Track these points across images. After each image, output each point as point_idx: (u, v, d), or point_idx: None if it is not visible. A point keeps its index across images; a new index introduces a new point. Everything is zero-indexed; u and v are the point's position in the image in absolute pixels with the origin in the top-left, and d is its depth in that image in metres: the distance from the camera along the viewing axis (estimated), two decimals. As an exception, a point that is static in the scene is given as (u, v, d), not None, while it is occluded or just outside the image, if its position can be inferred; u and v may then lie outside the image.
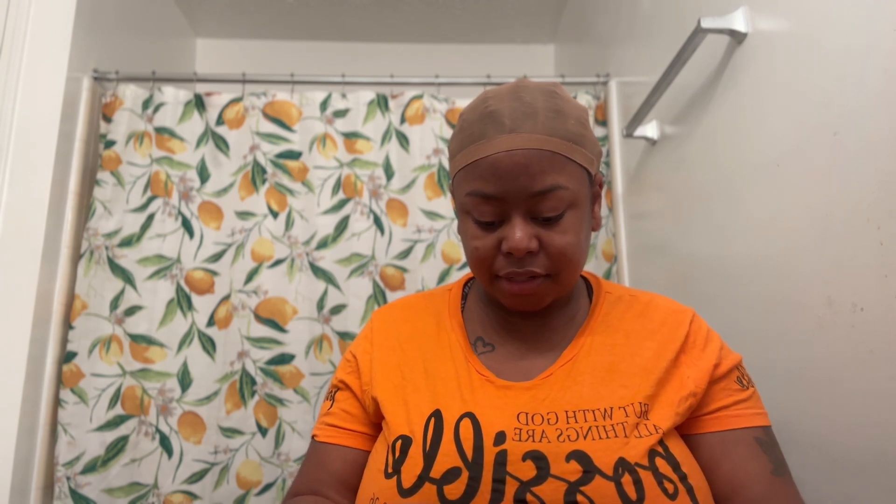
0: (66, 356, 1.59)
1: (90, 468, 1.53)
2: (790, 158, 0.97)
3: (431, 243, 1.74)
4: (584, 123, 0.73)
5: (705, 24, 1.13)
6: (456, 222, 1.75)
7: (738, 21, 1.12)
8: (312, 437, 0.84)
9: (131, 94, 1.79)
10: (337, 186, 1.77)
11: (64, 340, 1.62)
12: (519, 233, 0.69)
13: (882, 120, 0.78)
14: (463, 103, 1.84)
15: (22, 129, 1.58)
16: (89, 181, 1.76)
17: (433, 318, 0.84)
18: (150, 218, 1.71)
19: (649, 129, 1.55)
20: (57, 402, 1.58)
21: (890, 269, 0.76)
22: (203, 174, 1.77)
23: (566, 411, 0.68)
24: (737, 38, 1.14)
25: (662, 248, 1.50)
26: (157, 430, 1.58)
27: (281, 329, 1.66)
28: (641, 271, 1.65)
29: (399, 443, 0.69)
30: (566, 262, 0.71)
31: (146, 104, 1.79)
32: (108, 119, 1.78)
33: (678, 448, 0.68)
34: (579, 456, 0.64)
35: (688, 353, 0.75)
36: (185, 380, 1.62)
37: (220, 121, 1.81)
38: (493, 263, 0.73)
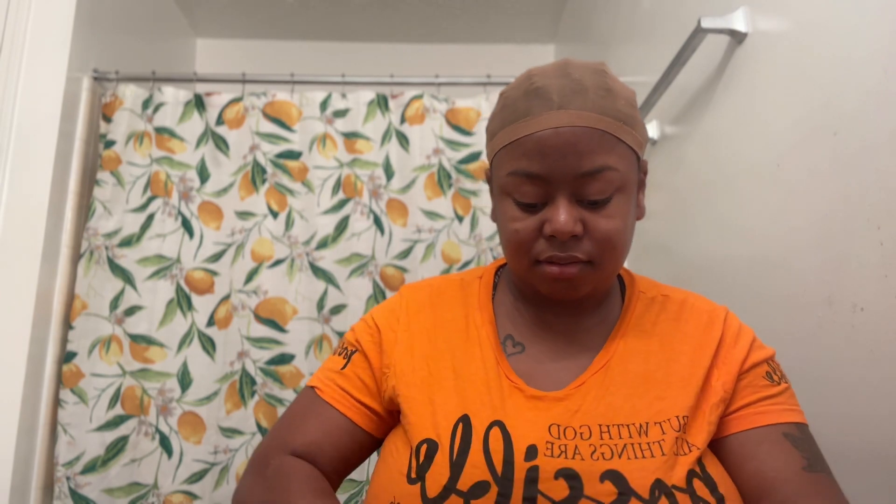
0: (66, 356, 1.59)
1: (90, 468, 1.53)
2: (790, 158, 0.97)
3: (431, 243, 1.74)
4: (634, 105, 0.69)
5: (705, 24, 1.13)
6: (456, 222, 1.75)
7: (738, 21, 1.12)
8: (312, 387, 0.77)
9: (131, 94, 1.79)
10: (337, 186, 1.77)
11: (64, 340, 1.62)
12: (563, 215, 0.64)
13: (882, 120, 0.78)
14: (463, 103, 1.84)
15: (22, 129, 1.58)
16: (89, 181, 1.76)
17: (462, 309, 0.78)
18: (150, 218, 1.71)
19: (650, 129, 1.55)
20: (57, 402, 1.58)
21: (890, 269, 0.76)
22: (203, 174, 1.77)
23: (600, 425, 0.64)
24: (737, 38, 1.14)
25: (663, 247, 1.50)
26: (157, 430, 1.58)
27: (281, 329, 1.66)
28: (641, 271, 1.64)
29: (424, 447, 0.65)
30: (611, 249, 0.67)
31: (146, 104, 1.79)
32: (107, 119, 1.78)
33: (715, 467, 0.65)
34: (614, 476, 0.60)
35: (721, 355, 0.70)
36: (185, 380, 1.62)
37: (220, 121, 1.81)
38: (532, 247, 0.68)
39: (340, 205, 1.75)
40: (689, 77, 1.33)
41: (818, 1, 0.92)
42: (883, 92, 0.78)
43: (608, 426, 0.64)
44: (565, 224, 0.64)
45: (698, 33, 1.15)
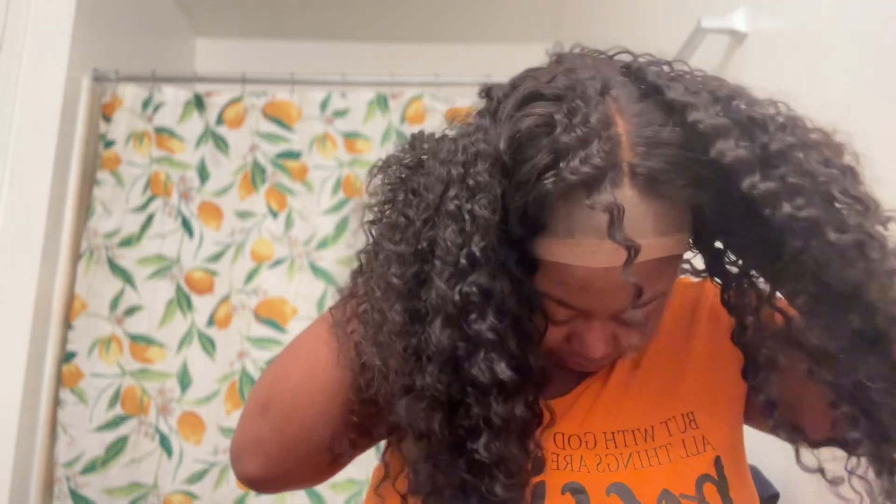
0: (66, 356, 1.59)
1: (90, 468, 1.53)
2: (790, 158, 0.98)
3: (431, 243, 1.74)
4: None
5: (705, 24, 1.13)
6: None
7: (738, 21, 1.12)
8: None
9: (131, 94, 1.78)
10: (337, 186, 1.77)
11: (64, 340, 1.62)
12: (597, 342, 0.56)
13: (882, 120, 0.78)
14: (463, 103, 1.84)
15: (22, 129, 1.58)
16: (89, 181, 1.75)
17: None
18: (150, 218, 1.71)
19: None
20: (57, 402, 1.57)
21: (890, 269, 0.76)
22: (203, 174, 1.77)
23: (604, 433, 0.62)
24: (737, 38, 1.14)
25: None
26: (157, 431, 1.58)
27: (281, 329, 1.66)
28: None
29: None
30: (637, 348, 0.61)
31: (146, 104, 1.79)
32: (107, 119, 1.78)
33: (734, 465, 0.62)
34: (620, 489, 0.58)
35: (713, 327, 0.66)
36: (184, 380, 1.62)
37: (219, 121, 1.81)
38: (558, 351, 0.60)
39: (340, 205, 1.75)
40: (689, 77, 1.33)
41: (818, 1, 0.92)
42: (883, 92, 0.78)
43: (613, 433, 0.62)
44: (597, 351, 0.57)
45: (698, 33, 1.15)
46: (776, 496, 0.99)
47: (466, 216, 0.52)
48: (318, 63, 2.74)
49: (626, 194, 0.49)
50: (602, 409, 0.64)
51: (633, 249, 0.48)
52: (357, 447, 0.64)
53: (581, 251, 0.51)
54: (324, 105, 1.83)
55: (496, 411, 0.52)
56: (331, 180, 1.77)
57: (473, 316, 0.51)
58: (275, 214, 1.75)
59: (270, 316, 1.67)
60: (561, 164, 0.49)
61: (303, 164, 1.79)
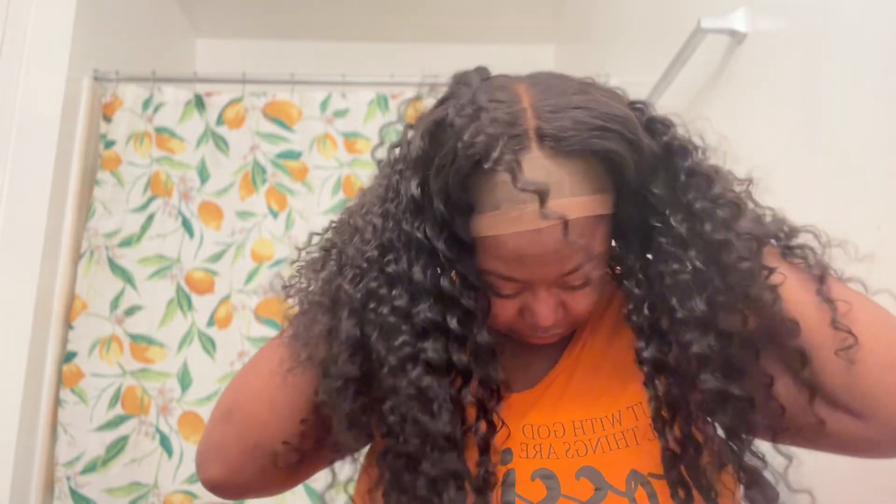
0: (67, 356, 1.59)
1: (90, 468, 1.53)
2: (790, 158, 0.97)
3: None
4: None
5: (705, 24, 1.13)
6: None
7: (738, 21, 1.12)
8: None
9: (131, 94, 1.79)
10: (337, 186, 1.77)
11: (64, 340, 1.62)
12: (544, 308, 0.60)
13: (882, 120, 0.78)
14: (463, 103, 1.84)
15: (22, 129, 1.58)
16: (89, 181, 1.75)
17: None
18: (150, 218, 1.71)
19: (649, 129, 1.55)
20: (57, 402, 1.57)
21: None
22: (203, 174, 1.77)
23: (573, 422, 0.64)
24: (737, 38, 1.14)
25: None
26: (158, 430, 1.58)
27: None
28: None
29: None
30: (588, 314, 0.65)
31: (146, 104, 1.79)
32: (108, 119, 1.78)
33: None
34: (590, 472, 0.60)
35: None
36: (185, 380, 1.62)
37: (220, 121, 1.81)
38: (512, 326, 0.64)
39: (341, 205, 1.75)
40: (689, 77, 1.33)
41: (818, 1, 0.92)
42: (883, 92, 0.78)
43: (581, 422, 0.64)
44: (546, 317, 0.60)
45: (698, 33, 1.15)
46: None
47: (388, 206, 0.60)
48: (318, 63, 2.74)
49: (535, 155, 0.54)
50: (570, 399, 0.66)
51: (543, 193, 0.52)
52: (310, 458, 0.67)
53: (507, 219, 0.55)
54: (324, 105, 1.83)
55: (423, 383, 0.57)
56: (331, 180, 1.77)
57: (402, 300, 0.58)
58: (275, 214, 1.75)
59: (271, 316, 1.67)
60: (458, 144, 0.55)
61: (303, 165, 1.79)
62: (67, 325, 1.63)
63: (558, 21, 2.64)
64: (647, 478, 0.60)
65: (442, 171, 0.57)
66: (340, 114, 1.83)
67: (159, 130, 1.78)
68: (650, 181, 0.59)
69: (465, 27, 2.66)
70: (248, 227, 1.74)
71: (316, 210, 1.75)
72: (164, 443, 1.57)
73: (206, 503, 1.56)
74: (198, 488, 1.56)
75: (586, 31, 2.26)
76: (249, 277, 1.69)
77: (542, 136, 0.54)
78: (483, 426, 0.61)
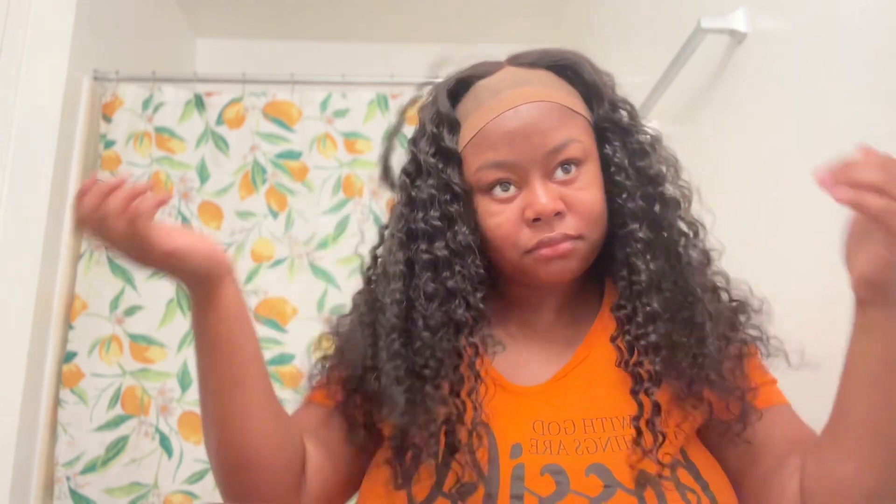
0: (66, 356, 1.59)
1: (90, 468, 1.53)
2: (790, 158, 0.98)
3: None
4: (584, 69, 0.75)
5: (705, 24, 1.13)
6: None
7: (738, 21, 1.12)
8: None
9: (131, 94, 1.79)
10: (337, 186, 1.77)
11: (64, 340, 1.62)
12: (543, 195, 0.64)
13: (882, 120, 0.78)
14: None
15: (22, 129, 1.58)
16: (89, 181, 1.75)
17: None
18: (150, 218, 1.71)
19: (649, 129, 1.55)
20: (57, 402, 1.57)
21: (890, 269, 0.76)
22: (203, 174, 1.77)
23: (583, 419, 0.65)
24: (737, 38, 1.14)
25: (662, 248, 1.50)
26: (157, 430, 1.58)
27: (281, 329, 1.66)
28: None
29: (409, 453, 0.65)
30: (595, 220, 0.67)
31: (146, 104, 1.79)
32: (107, 119, 1.78)
33: (698, 454, 0.66)
34: (599, 469, 0.61)
35: None
36: (185, 380, 1.62)
37: (220, 121, 1.81)
38: (518, 238, 0.66)
39: (341, 205, 1.75)
40: (689, 77, 1.33)
41: (818, 1, 0.92)
42: (883, 92, 0.78)
43: (591, 419, 0.65)
44: (546, 203, 0.64)
45: (698, 33, 1.15)
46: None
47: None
48: (318, 63, 2.74)
49: (508, 69, 0.71)
50: (580, 396, 0.67)
51: (512, 58, 0.71)
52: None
53: (488, 108, 0.67)
54: (324, 105, 1.83)
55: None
56: (331, 180, 1.77)
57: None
58: (275, 214, 1.75)
59: (271, 316, 1.67)
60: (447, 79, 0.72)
61: (303, 164, 1.79)
62: (67, 325, 1.63)
63: (558, 21, 2.64)
64: (657, 478, 0.61)
65: (434, 99, 0.72)
66: (340, 114, 1.83)
67: (159, 130, 1.78)
68: (607, 125, 0.71)
69: (465, 27, 2.66)
70: (248, 227, 1.74)
71: (316, 210, 1.75)
72: (164, 443, 1.57)
73: (206, 503, 1.56)
74: (198, 488, 1.56)
75: (586, 32, 2.26)
76: (249, 277, 1.69)
77: (513, 60, 0.72)
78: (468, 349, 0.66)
